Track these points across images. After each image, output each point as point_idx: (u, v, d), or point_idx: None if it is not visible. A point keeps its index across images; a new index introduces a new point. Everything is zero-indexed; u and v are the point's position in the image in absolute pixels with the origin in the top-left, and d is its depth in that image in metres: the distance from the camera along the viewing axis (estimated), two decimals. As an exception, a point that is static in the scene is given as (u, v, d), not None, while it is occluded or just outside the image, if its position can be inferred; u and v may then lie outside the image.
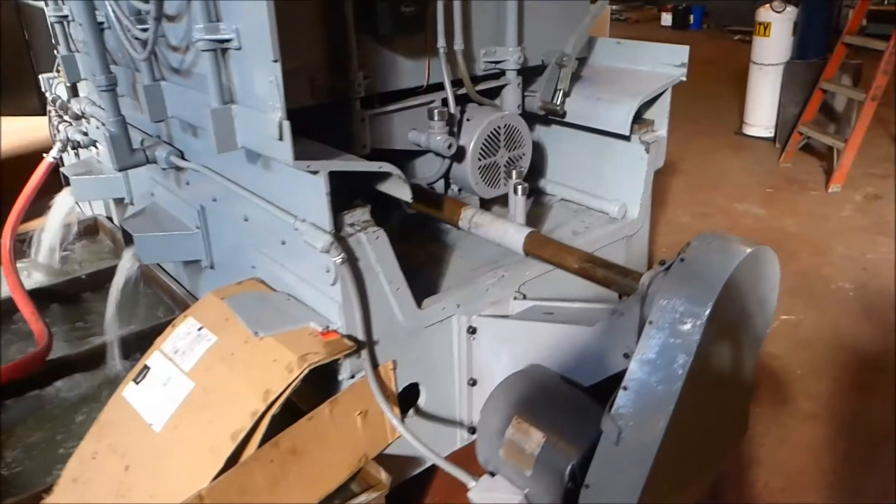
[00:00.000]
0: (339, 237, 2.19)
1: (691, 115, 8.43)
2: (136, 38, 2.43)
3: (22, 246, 4.50)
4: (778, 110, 7.00)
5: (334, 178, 2.11)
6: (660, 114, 3.15)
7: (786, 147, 6.70)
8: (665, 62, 3.14)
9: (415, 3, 2.55)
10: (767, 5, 6.89)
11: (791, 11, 6.80)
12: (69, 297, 4.00)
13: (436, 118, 2.69)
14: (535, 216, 3.30)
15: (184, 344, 2.42)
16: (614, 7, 15.61)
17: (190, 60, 2.45)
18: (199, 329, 2.43)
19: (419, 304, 2.48)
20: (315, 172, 2.07)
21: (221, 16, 2.14)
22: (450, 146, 2.70)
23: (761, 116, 7.26)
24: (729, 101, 8.72)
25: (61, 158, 4.42)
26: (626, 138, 3.09)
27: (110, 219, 4.64)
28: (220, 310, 2.47)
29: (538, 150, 3.51)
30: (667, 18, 14.61)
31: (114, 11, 2.50)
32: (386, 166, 2.20)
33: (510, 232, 2.46)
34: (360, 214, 2.25)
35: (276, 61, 1.95)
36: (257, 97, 2.09)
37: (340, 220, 2.21)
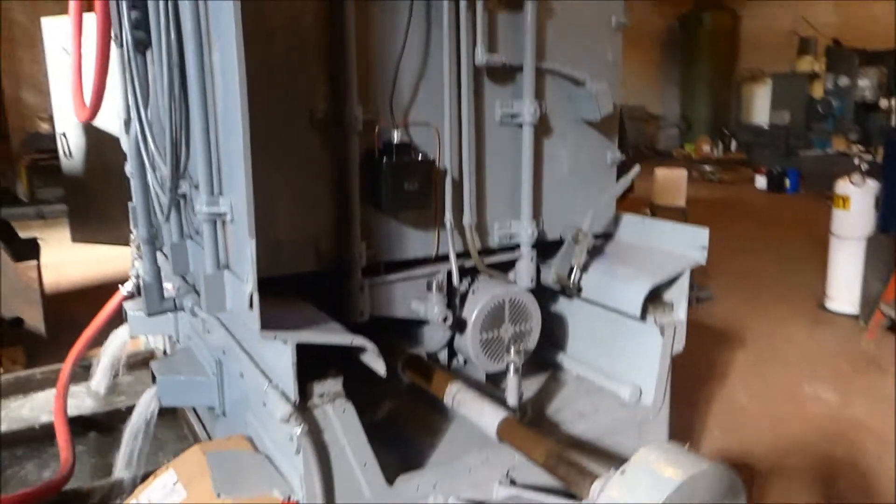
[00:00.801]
0: (306, 407, 2.20)
1: (774, 279, 8.11)
2: (160, 203, 2.66)
3: (87, 371, 4.79)
4: (862, 286, 6.62)
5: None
6: (679, 296, 3.06)
7: (868, 325, 6.27)
8: (686, 244, 3.10)
9: (419, 181, 2.68)
10: (846, 178, 6.71)
11: (872, 185, 6.58)
12: (108, 428, 4.16)
13: (434, 290, 2.73)
14: (546, 393, 3.20)
15: (157, 496, 2.45)
16: (707, 167, 15.66)
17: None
18: (175, 483, 2.46)
19: (392, 479, 2.41)
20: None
21: (223, 189, 2.33)
22: (445, 319, 2.71)
23: (844, 291, 6.87)
24: (819, 268, 8.35)
25: (136, 291, 4.76)
26: (642, 319, 3.01)
27: (166, 353, 4.88)
28: (199, 464, 2.50)
29: (559, 323, 3.47)
30: (761, 181, 14.45)
31: (150, 178, 2.77)
32: (359, 340, 2.24)
33: (486, 414, 2.39)
34: (331, 385, 2.27)
35: (251, 237, 2.06)
36: (240, 267, 2.21)
37: (310, 389, 2.24)
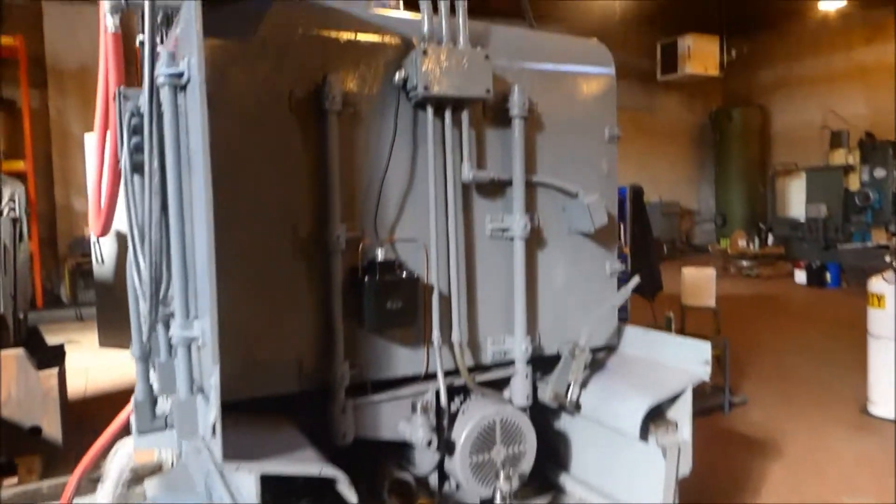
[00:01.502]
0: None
1: (813, 382, 7.73)
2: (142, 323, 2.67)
3: (96, 484, 4.72)
4: (905, 389, 6.24)
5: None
6: (682, 414, 2.90)
7: (915, 433, 5.86)
8: (689, 358, 2.96)
9: (403, 299, 2.64)
10: (880, 275, 6.47)
11: (908, 284, 6.31)
12: (111, 544, 4.05)
13: (418, 411, 2.64)
14: (546, 517, 3.02)
15: None
16: (744, 262, 15.37)
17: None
18: None
19: None
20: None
21: (199, 312, 2.32)
22: (430, 443, 2.60)
23: (886, 394, 6.49)
24: (862, 369, 7.95)
25: (143, 403, 4.74)
26: (643, 439, 2.85)
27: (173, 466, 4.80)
28: None
29: (561, 440, 3.31)
30: (800, 276, 14.08)
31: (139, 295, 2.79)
32: (328, 470, 2.15)
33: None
34: (300, 519, 2.17)
35: (215, 364, 2.03)
36: (209, 392, 2.17)
37: (279, 522, 2.14)
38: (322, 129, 2.56)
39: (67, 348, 6.55)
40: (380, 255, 2.66)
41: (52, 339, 7.64)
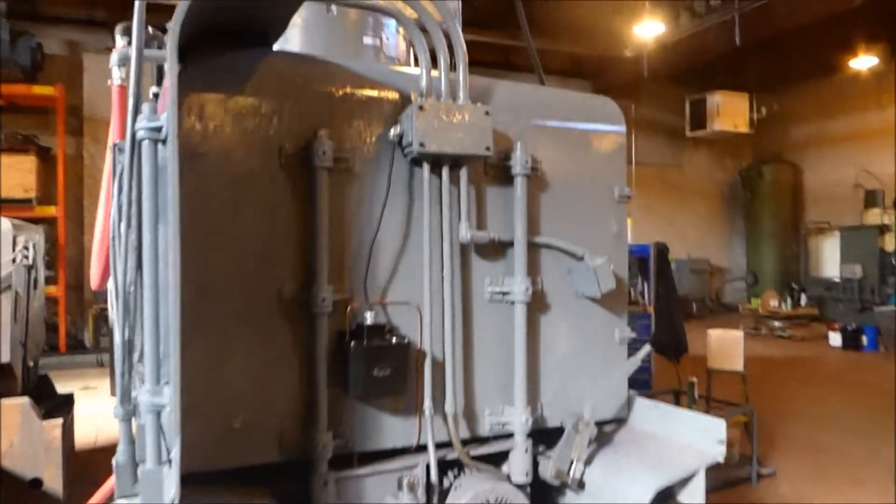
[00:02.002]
0: None
1: (852, 454, 7.30)
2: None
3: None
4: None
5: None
6: (694, 497, 2.67)
7: (960, 517, 5.45)
8: (702, 436, 2.75)
9: (392, 365, 2.49)
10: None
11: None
12: None
13: (404, 488, 2.46)
14: None
15: None
16: (776, 323, 14.92)
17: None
18: None
19: None
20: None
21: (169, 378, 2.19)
22: (416, 523, 2.42)
23: (927, 472, 6.08)
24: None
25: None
26: (652, 525, 2.62)
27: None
28: None
29: (566, 519, 3.08)
30: (835, 338, 13.57)
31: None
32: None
33: None
34: None
35: (177, 436, 1.89)
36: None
37: None
38: (311, 186, 2.46)
39: (84, 395, 6.45)
40: (369, 318, 2.52)
41: (71, 385, 7.57)
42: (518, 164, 2.79)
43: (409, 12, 2.78)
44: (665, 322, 7.50)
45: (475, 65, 2.75)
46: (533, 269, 2.89)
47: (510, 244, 2.82)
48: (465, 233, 2.68)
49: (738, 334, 9.20)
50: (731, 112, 15.80)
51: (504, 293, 2.82)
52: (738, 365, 8.86)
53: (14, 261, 5.33)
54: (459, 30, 2.71)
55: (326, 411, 2.44)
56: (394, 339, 2.53)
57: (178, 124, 1.95)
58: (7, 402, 5.03)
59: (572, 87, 14.50)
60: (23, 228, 5.65)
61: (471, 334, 2.79)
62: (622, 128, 3.16)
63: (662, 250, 7.64)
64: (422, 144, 2.53)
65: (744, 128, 16.10)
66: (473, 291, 2.80)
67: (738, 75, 15.21)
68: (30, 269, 5.57)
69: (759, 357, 9.87)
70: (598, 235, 3.05)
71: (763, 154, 18.98)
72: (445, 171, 2.66)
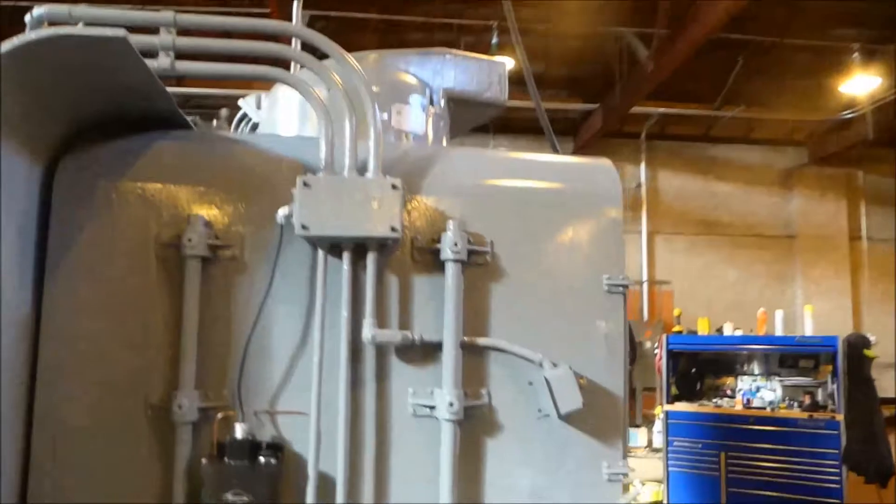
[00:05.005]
0: None
1: None
2: None
3: None
4: None
5: None
6: None
7: None
8: None
9: (250, 491, 2.05)
10: None
11: None
12: None
13: None
14: None
15: None
16: None
17: None
18: None
19: None
20: None
21: None
22: None
23: None
24: None
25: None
26: None
27: None
28: None
29: None
30: None
31: None
32: None
33: None
34: None
35: None
36: None
37: None
38: (179, 275, 2.18)
39: None
40: (238, 431, 2.12)
41: None
42: (447, 246, 2.26)
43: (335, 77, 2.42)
44: (862, 434, 5.96)
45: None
46: (475, 379, 2.29)
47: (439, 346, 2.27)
48: (368, 331, 2.20)
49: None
50: None
51: (430, 407, 2.25)
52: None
53: None
54: (369, 92, 2.31)
55: (180, 543, 2.06)
56: (262, 460, 2.09)
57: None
58: None
59: (788, 157, 12.82)
60: None
61: (385, 457, 2.24)
62: (617, 196, 2.47)
63: (855, 344, 6.15)
64: (304, 227, 2.14)
65: None
66: (392, 403, 2.27)
67: None
68: None
69: None
70: (579, 335, 2.36)
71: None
72: (347, 258, 2.23)
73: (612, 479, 2.32)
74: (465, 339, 2.27)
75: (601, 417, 2.33)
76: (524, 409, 2.32)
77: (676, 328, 7.77)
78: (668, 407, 6.86)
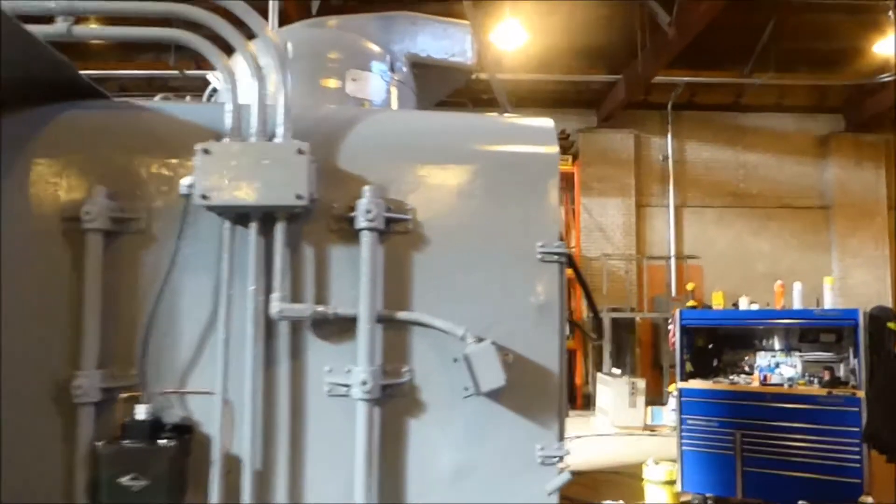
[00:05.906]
0: None
1: None
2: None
3: None
4: None
5: None
6: None
7: None
8: None
9: (148, 474, 1.95)
10: None
11: None
12: None
13: None
14: None
15: None
16: None
17: None
18: None
19: None
20: None
21: None
22: None
23: None
24: None
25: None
26: None
27: None
28: None
29: None
30: None
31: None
32: None
33: None
34: None
35: None
36: None
37: None
38: (81, 249, 2.09)
39: None
40: (140, 412, 2.02)
41: None
42: (361, 214, 2.11)
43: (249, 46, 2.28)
44: (884, 410, 5.62)
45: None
46: (397, 356, 2.15)
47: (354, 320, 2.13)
48: (275, 306, 2.07)
49: None
50: None
51: (347, 386, 2.12)
52: None
53: None
54: (279, 53, 2.17)
55: (81, 525, 1.98)
56: (162, 442, 1.99)
57: None
58: None
59: (820, 124, 12.24)
60: None
61: (299, 439, 2.12)
62: (552, 159, 2.28)
63: (878, 318, 5.80)
64: (204, 196, 2.02)
65: None
66: (308, 382, 2.15)
67: None
68: None
69: None
70: (507, 310, 2.20)
71: None
72: (254, 228, 2.10)
73: (546, 463, 2.16)
74: (383, 312, 2.13)
75: (534, 396, 2.17)
76: (449, 387, 2.17)
77: (690, 303, 7.47)
78: (681, 384, 6.60)
